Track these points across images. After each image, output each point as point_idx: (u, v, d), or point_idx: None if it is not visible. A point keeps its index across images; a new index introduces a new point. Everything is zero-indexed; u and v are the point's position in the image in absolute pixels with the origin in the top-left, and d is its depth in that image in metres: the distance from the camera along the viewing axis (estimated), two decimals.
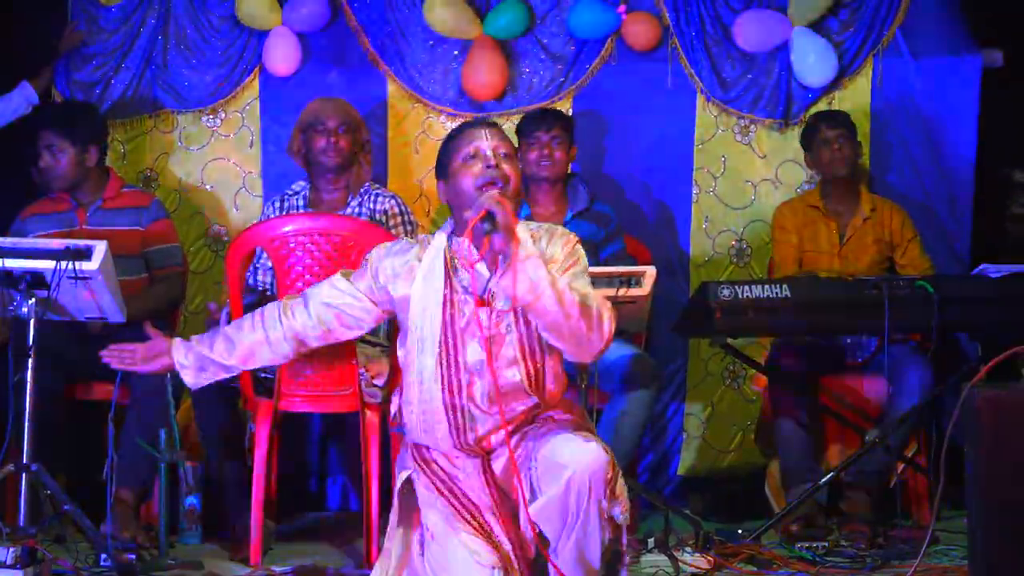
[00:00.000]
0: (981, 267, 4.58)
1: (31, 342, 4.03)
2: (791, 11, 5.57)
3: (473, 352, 3.25)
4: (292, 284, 4.18)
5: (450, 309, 3.26)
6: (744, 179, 5.66)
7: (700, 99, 5.61)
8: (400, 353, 3.40)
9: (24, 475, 3.99)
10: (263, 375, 4.27)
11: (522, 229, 3.11)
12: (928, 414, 4.66)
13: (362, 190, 4.90)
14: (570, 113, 5.43)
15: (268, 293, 4.57)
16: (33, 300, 4.02)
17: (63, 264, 3.98)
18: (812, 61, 5.55)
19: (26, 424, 4.02)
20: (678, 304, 5.00)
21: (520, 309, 3.17)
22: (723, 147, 5.66)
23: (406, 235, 4.77)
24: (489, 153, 3.24)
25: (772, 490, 4.93)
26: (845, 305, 4.38)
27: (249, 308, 4.19)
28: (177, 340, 3.54)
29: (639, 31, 5.53)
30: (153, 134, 5.64)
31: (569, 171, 5.11)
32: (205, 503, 4.64)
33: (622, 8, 5.49)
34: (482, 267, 3.20)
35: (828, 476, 4.52)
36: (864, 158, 5.47)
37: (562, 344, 3.19)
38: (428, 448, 3.35)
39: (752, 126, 5.65)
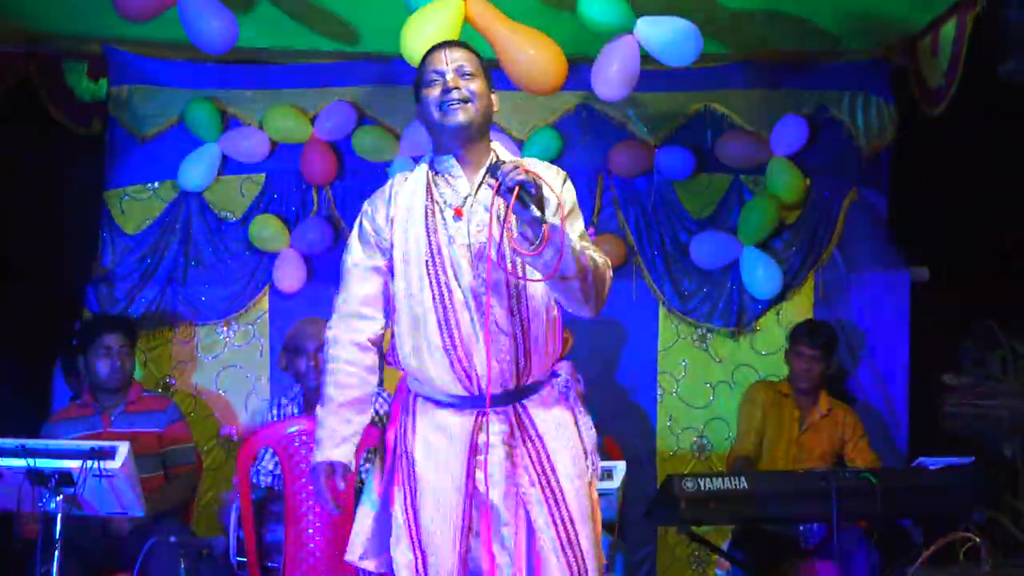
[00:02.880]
0: (919, 460, 4.57)
1: (57, 536, 3.98)
2: (740, 233, 5.64)
3: (456, 261, 2.96)
4: (297, 479, 4.17)
5: (432, 220, 2.99)
6: (703, 381, 5.70)
7: (662, 310, 5.65)
8: (393, 291, 3.07)
9: None
10: (270, 564, 4.25)
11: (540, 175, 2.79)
12: None
13: None
14: None
15: (276, 489, 4.48)
16: (61, 497, 3.98)
17: (89, 463, 3.95)
18: (760, 277, 5.60)
19: None
20: (647, 495, 4.88)
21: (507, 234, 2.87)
22: (684, 353, 5.70)
23: None
24: (449, 76, 2.98)
25: None
26: (797, 495, 4.30)
27: (257, 504, 4.32)
28: (337, 465, 3.05)
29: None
30: (173, 344, 5.66)
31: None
32: None
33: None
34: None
35: None
36: None
37: (569, 302, 2.92)
38: (413, 414, 3.05)
39: (709, 334, 5.69)
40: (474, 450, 2.99)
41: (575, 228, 2.98)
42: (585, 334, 5.49)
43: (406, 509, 3.04)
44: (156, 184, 5.71)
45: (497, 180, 2.75)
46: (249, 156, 5.71)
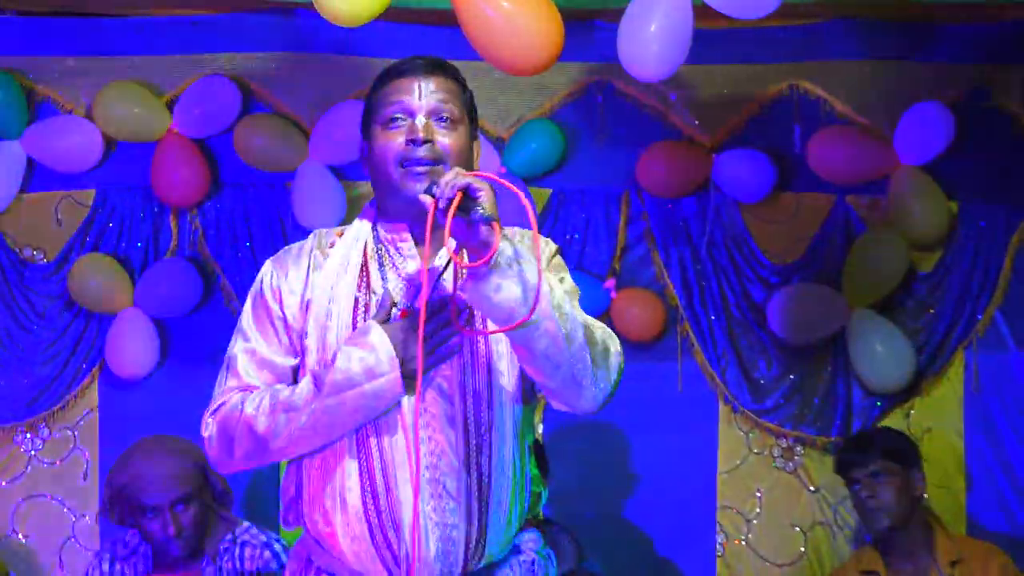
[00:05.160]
0: None
1: None
2: (847, 287, 5.30)
3: None
4: None
5: (364, 319, 2.94)
6: (790, 523, 5.43)
7: (724, 409, 5.42)
8: None
9: None
10: None
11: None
12: None
13: (222, 547, 4.46)
14: (539, 428, 5.13)
15: None
16: None
17: None
18: (880, 356, 5.28)
19: None
20: None
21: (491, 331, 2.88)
22: (758, 477, 5.46)
23: None
24: (420, 121, 2.91)
25: None
26: None
27: None
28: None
29: (636, 314, 5.31)
30: None
31: (541, 515, 4.56)
32: None
33: (610, 283, 5.26)
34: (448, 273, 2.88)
35: None
36: (959, 491, 5.16)
37: (556, 383, 2.86)
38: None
39: (798, 447, 5.44)
40: None
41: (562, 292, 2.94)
42: (592, 445, 5.42)
43: None
44: None
45: (433, 199, 2.72)
46: (70, 161, 5.43)
